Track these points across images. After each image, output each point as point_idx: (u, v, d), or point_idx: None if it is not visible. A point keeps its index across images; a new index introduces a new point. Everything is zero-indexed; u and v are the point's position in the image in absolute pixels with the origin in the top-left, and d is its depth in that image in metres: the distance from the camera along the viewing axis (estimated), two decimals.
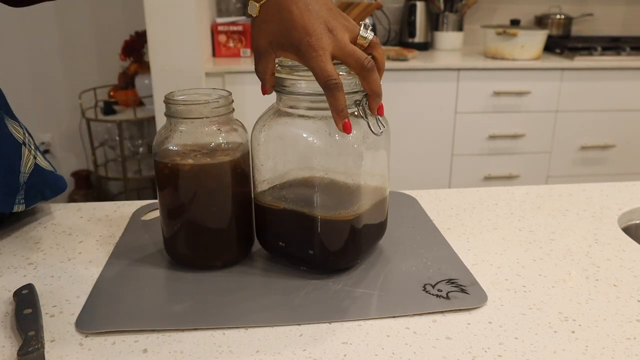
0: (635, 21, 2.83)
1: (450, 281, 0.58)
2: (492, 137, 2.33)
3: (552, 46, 2.47)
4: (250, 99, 2.05)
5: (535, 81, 2.28)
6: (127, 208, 0.77)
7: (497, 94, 2.27)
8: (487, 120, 2.31)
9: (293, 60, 0.53)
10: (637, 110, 2.39)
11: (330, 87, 0.50)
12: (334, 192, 0.56)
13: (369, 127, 0.54)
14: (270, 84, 0.56)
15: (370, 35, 0.54)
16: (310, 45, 0.50)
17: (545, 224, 0.73)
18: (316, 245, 0.57)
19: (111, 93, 2.49)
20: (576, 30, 2.75)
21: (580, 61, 2.29)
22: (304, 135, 0.56)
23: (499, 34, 2.30)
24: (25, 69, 2.54)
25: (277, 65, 0.55)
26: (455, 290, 0.56)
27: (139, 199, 2.73)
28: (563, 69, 2.28)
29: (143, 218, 0.73)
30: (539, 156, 2.41)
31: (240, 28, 2.25)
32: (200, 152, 0.56)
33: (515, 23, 2.48)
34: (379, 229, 0.63)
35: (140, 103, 2.46)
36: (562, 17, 2.68)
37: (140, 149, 2.56)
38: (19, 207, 0.69)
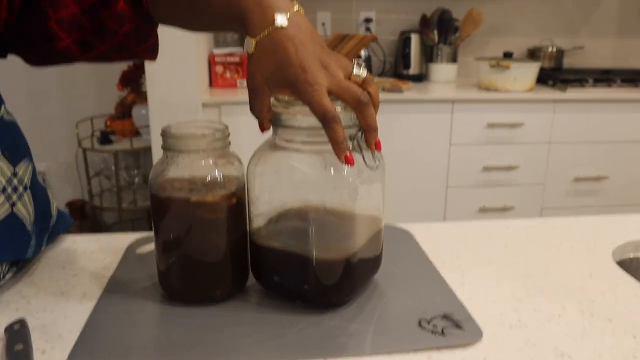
0: (625, 54, 2.88)
1: (445, 316, 0.57)
2: (487, 169, 2.35)
3: (544, 78, 2.50)
4: (246, 129, 2.06)
5: (529, 113, 2.31)
6: (122, 240, 0.77)
7: (491, 125, 2.29)
8: (482, 151, 2.33)
9: (289, 96, 0.54)
10: (629, 141, 2.41)
11: (328, 121, 0.51)
12: (329, 227, 0.56)
13: (364, 161, 0.55)
14: (267, 120, 0.56)
15: (363, 72, 0.55)
16: (306, 81, 0.51)
17: (540, 258, 0.73)
18: (311, 281, 0.57)
19: (108, 123, 2.50)
20: (568, 62, 2.80)
21: (573, 93, 2.33)
22: (300, 168, 0.56)
23: (492, 66, 2.33)
24: (22, 98, 2.56)
25: (272, 100, 0.56)
26: (450, 325, 0.56)
27: (134, 229, 2.72)
28: (556, 101, 2.31)
29: (138, 251, 0.73)
30: (533, 188, 2.42)
31: (237, 59, 2.28)
32: (197, 186, 0.57)
33: (508, 56, 2.52)
34: (374, 263, 0.63)
35: (137, 133, 2.47)
36: (554, 49, 2.73)
37: (136, 179, 2.56)
38: (43, 248, 0.72)
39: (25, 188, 0.65)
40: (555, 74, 2.50)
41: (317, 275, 0.57)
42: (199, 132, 0.57)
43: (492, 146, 2.33)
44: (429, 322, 0.56)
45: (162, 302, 0.60)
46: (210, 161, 0.57)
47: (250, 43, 0.54)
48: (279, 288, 0.61)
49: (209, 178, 0.57)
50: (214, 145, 0.56)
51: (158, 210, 0.58)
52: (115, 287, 0.63)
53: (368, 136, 0.55)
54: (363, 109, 0.53)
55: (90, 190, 2.51)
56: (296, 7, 0.55)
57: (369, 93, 0.54)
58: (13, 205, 0.62)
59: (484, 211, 2.40)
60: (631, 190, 2.48)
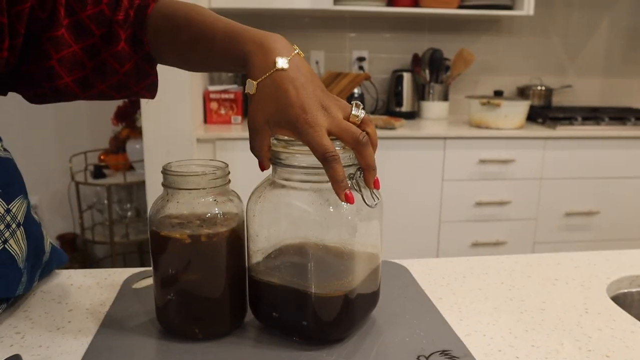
0: (612, 93, 2.95)
1: (443, 352, 0.57)
2: (479, 204, 2.37)
3: (534, 116, 2.55)
4: (241, 165, 2.07)
5: (519, 150, 2.34)
6: (119, 276, 0.76)
7: (483, 161, 2.32)
8: (474, 187, 2.35)
9: (289, 136, 0.55)
10: (619, 177, 2.44)
11: (328, 160, 0.52)
12: (327, 264, 0.56)
13: (363, 199, 0.56)
14: (267, 158, 0.57)
15: (362, 113, 0.56)
16: (306, 122, 0.52)
17: (536, 294, 0.74)
18: (310, 317, 0.57)
19: (102, 157, 2.51)
20: (556, 100, 2.85)
21: (562, 130, 2.37)
22: (299, 206, 0.57)
23: (483, 104, 2.37)
24: (16, 132, 2.56)
25: (272, 139, 0.57)
26: None
27: (125, 263, 2.70)
28: (546, 138, 2.34)
29: (134, 286, 0.73)
30: (525, 223, 2.44)
31: (231, 96, 2.30)
32: (196, 223, 0.57)
33: (498, 94, 2.57)
34: (372, 299, 0.63)
35: (130, 167, 2.48)
36: (543, 88, 2.78)
37: (129, 213, 2.55)
38: (35, 284, 0.71)
39: (18, 225, 0.65)
40: (545, 112, 2.54)
41: (316, 311, 0.57)
42: (199, 169, 0.58)
43: (484, 182, 2.36)
44: (427, 359, 0.56)
45: (159, 337, 0.60)
46: (211, 199, 0.57)
47: (252, 84, 0.55)
48: (277, 324, 0.60)
49: (208, 215, 0.57)
50: (215, 184, 0.57)
51: (157, 246, 0.58)
52: (112, 323, 0.63)
53: (367, 175, 0.56)
54: (362, 149, 0.54)
55: (82, 224, 2.50)
56: (296, 50, 0.56)
57: (367, 133, 0.55)
58: (5, 242, 0.62)
59: (477, 246, 2.41)
60: (622, 225, 2.51)
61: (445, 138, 2.28)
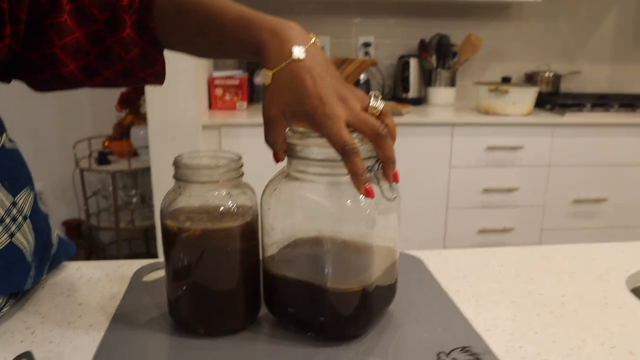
0: (621, 79, 2.91)
1: (464, 349, 0.56)
2: (487, 191, 2.35)
3: (542, 102, 2.52)
4: (247, 151, 2.05)
5: (527, 136, 2.32)
6: (128, 268, 0.75)
7: (491, 148, 2.30)
8: (481, 174, 2.33)
9: (306, 128, 0.53)
10: (627, 165, 2.42)
11: (348, 153, 0.50)
12: (345, 258, 0.55)
13: (382, 193, 0.54)
14: (282, 150, 0.55)
15: (380, 104, 0.54)
16: (324, 113, 0.51)
17: (554, 287, 0.72)
18: (327, 312, 0.56)
19: (106, 143, 2.49)
20: (565, 87, 2.82)
21: (571, 117, 2.34)
22: (316, 199, 0.55)
23: (491, 90, 2.34)
24: (20, 119, 2.55)
25: (287, 130, 0.55)
26: (470, 359, 0.54)
27: (131, 249, 2.70)
28: (554, 125, 2.32)
29: (145, 279, 0.71)
30: (532, 209, 2.42)
31: (236, 82, 2.28)
32: (209, 216, 0.55)
33: (506, 80, 2.54)
34: (390, 293, 0.62)
35: (135, 154, 2.46)
36: (551, 74, 2.75)
37: (134, 199, 2.54)
38: (44, 277, 0.70)
39: (25, 218, 0.63)
40: (553, 99, 2.51)
41: (333, 306, 0.56)
42: (212, 162, 0.56)
43: (492, 169, 2.34)
44: (447, 355, 0.55)
45: (171, 333, 0.59)
46: (224, 192, 0.56)
47: (267, 75, 0.53)
48: (292, 319, 0.59)
49: (222, 208, 0.56)
50: (228, 176, 0.55)
51: (169, 239, 0.56)
52: (123, 317, 0.62)
53: (386, 168, 0.54)
54: (381, 142, 0.52)
55: (87, 210, 2.49)
56: (312, 39, 0.54)
57: (386, 125, 0.53)
58: (12, 235, 0.60)
59: (484, 232, 2.39)
60: (630, 212, 2.49)
61: (452, 125, 2.26)
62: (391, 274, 0.61)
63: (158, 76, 0.66)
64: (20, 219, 0.62)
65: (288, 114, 0.53)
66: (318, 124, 0.51)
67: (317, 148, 0.54)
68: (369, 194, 0.51)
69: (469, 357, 0.55)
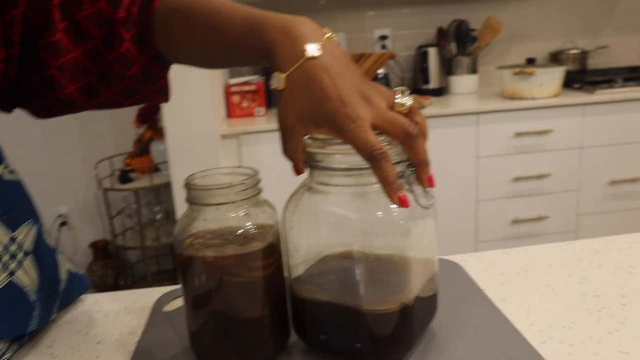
0: None
1: None
2: (517, 179, 2.26)
3: (570, 82, 2.42)
4: (267, 158, 2.02)
5: (557, 119, 2.23)
6: (148, 297, 0.71)
7: (519, 134, 2.21)
8: (511, 162, 2.25)
9: (327, 135, 0.48)
10: None
11: (376, 159, 0.44)
12: (380, 276, 0.49)
13: (416, 200, 0.48)
14: (302, 161, 0.50)
15: (408, 101, 0.48)
16: (347, 116, 0.45)
17: (611, 286, 0.65)
18: (363, 338, 0.50)
19: (127, 161, 2.47)
20: (592, 63, 2.71)
21: (602, 95, 2.24)
22: (343, 214, 0.50)
23: (516, 73, 2.26)
24: (40, 142, 2.54)
25: (307, 138, 0.50)
26: None
27: (158, 266, 2.68)
28: (585, 104, 2.22)
29: (165, 309, 0.67)
30: (566, 195, 2.33)
31: (253, 87, 2.24)
32: (227, 240, 0.50)
33: (531, 62, 2.44)
34: (431, 308, 0.56)
35: (156, 169, 2.44)
36: (577, 51, 2.65)
37: (158, 216, 2.52)
38: (53, 317, 0.65)
39: (26, 253, 0.59)
40: (581, 77, 2.41)
41: (370, 328, 0.50)
42: (227, 180, 0.51)
43: (521, 155, 2.25)
44: None
45: None
46: (242, 212, 0.50)
47: (280, 78, 0.47)
48: (326, 347, 0.54)
49: (240, 231, 0.50)
50: (245, 195, 0.50)
51: (186, 269, 0.51)
52: (144, 355, 0.57)
53: (420, 172, 0.48)
54: (413, 142, 0.46)
55: (113, 230, 2.48)
56: (327, 34, 0.49)
57: (416, 123, 0.47)
58: (11, 274, 0.56)
59: (518, 223, 2.31)
60: None
61: (478, 113, 2.18)
62: (431, 286, 0.55)
63: (162, 93, 0.61)
64: (20, 255, 0.58)
65: (306, 121, 0.47)
66: (340, 129, 0.45)
67: (340, 156, 0.48)
68: (403, 203, 0.45)
69: None
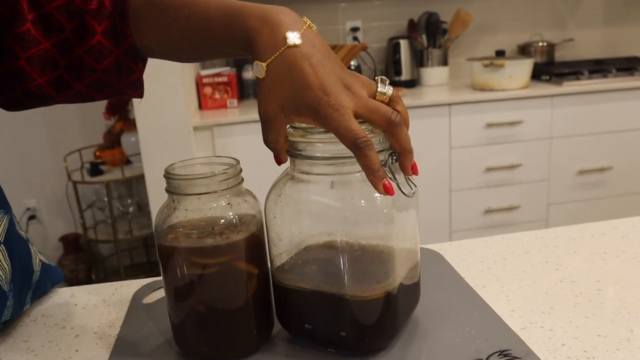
0: (614, 43, 2.85)
1: (502, 353, 0.51)
2: (489, 170, 2.29)
3: (538, 74, 2.46)
4: (242, 150, 2.00)
5: (527, 110, 2.26)
6: (126, 290, 0.69)
7: (490, 125, 2.24)
8: (483, 152, 2.28)
9: (309, 124, 0.47)
10: (630, 130, 2.37)
11: (360, 147, 0.44)
12: (364, 264, 0.49)
13: (400, 189, 0.48)
14: (284, 151, 0.49)
15: (389, 89, 0.48)
16: (330, 104, 0.44)
17: (587, 271, 0.67)
18: (349, 327, 0.51)
19: (97, 153, 2.43)
20: (559, 56, 2.76)
21: (569, 86, 2.28)
22: (326, 202, 0.49)
23: (486, 65, 2.28)
24: (6, 134, 2.47)
25: (288, 127, 0.49)
26: None
27: (132, 259, 2.64)
28: (553, 96, 2.26)
29: (145, 301, 0.66)
30: (537, 185, 2.37)
31: (225, 79, 2.22)
32: (210, 230, 0.50)
33: (500, 54, 2.48)
34: (415, 295, 0.56)
35: (127, 162, 2.40)
36: (545, 44, 2.69)
37: (130, 209, 2.48)
38: (27, 307, 0.64)
39: None
40: (549, 69, 2.45)
41: (355, 317, 0.50)
42: (208, 170, 0.50)
43: (493, 146, 2.28)
44: None
45: None
46: (223, 202, 0.50)
47: (261, 67, 0.47)
48: (311, 336, 0.53)
49: (222, 221, 0.50)
50: (227, 184, 0.49)
51: (167, 260, 0.51)
52: (124, 348, 0.56)
53: (403, 159, 0.48)
54: (396, 130, 0.46)
55: (84, 223, 2.43)
56: (307, 23, 0.48)
57: (398, 112, 0.47)
58: None
59: (490, 212, 2.34)
60: (636, 178, 2.44)
61: (449, 104, 2.20)
62: (414, 274, 0.55)
63: (136, 87, 0.59)
64: None
65: (288, 110, 0.47)
66: (323, 117, 0.45)
67: (322, 145, 0.48)
68: (388, 191, 0.45)
69: None
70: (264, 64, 0.47)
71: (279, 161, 0.50)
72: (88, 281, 2.54)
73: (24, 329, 0.62)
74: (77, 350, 0.57)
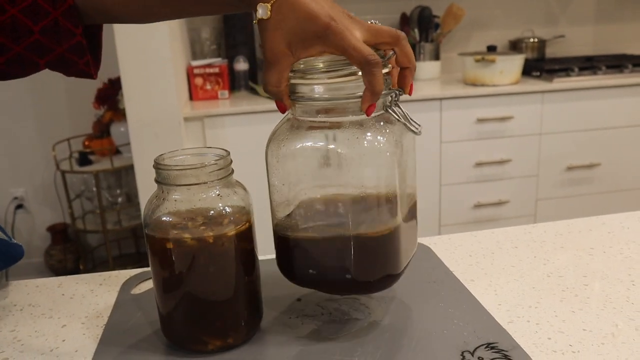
0: (605, 40, 2.87)
1: (489, 346, 0.51)
2: (479, 164, 2.30)
3: (529, 70, 2.47)
4: (232, 142, 1.99)
5: (517, 105, 2.27)
6: (114, 280, 0.69)
7: (481, 120, 2.25)
8: (473, 147, 2.28)
9: (317, 54, 0.49)
10: (619, 127, 2.39)
11: (372, 63, 0.47)
12: (369, 206, 0.51)
13: (409, 127, 0.50)
14: (287, 94, 0.50)
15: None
16: (339, 27, 0.47)
17: (574, 266, 0.67)
18: (355, 268, 0.51)
19: (86, 143, 2.41)
20: (550, 52, 2.77)
21: (559, 83, 2.29)
22: (331, 146, 0.50)
23: (477, 61, 2.29)
24: None
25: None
26: (497, 357, 0.50)
27: (120, 250, 2.63)
28: (543, 92, 2.27)
29: (133, 291, 0.65)
30: (526, 180, 2.38)
31: (216, 70, 2.20)
32: (199, 221, 0.50)
33: (492, 49, 2.48)
34: (414, 238, 0.58)
35: (117, 152, 2.38)
36: (536, 40, 2.70)
37: (119, 199, 2.46)
38: None
39: None
40: (540, 65, 2.46)
41: (362, 260, 0.51)
42: (198, 160, 0.50)
43: (483, 141, 2.29)
44: (472, 354, 0.50)
45: (166, 353, 0.53)
46: (213, 193, 0.50)
47: (265, 7, 0.48)
48: (315, 282, 0.54)
49: (212, 212, 0.50)
50: (217, 175, 0.49)
51: (156, 251, 0.51)
52: (112, 339, 0.56)
53: (409, 75, 0.53)
54: (404, 44, 0.51)
55: (72, 213, 2.42)
56: None
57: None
58: None
59: (479, 207, 2.35)
60: (624, 175, 2.46)
61: (441, 99, 2.20)
62: (413, 215, 0.57)
63: (78, 53, 0.56)
64: None
65: (296, 44, 0.48)
66: (334, 41, 0.47)
67: (324, 87, 0.49)
68: (369, 112, 0.49)
69: (496, 354, 0.50)
70: (268, 5, 0.48)
71: (283, 107, 0.51)
72: (76, 271, 2.52)
73: (10, 319, 0.62)
74: (64, 340, 0.57)
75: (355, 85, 0.49)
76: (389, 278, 0.53)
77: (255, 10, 0.49)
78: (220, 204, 0.50)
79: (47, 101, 2.49)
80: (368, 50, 0.47)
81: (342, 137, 0.50)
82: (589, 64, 2.42)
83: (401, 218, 0.52)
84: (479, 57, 2.29)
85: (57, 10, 0.53)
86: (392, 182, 0.50)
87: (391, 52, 0.51)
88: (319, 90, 0.49)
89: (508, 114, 2.26)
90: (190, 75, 2.20)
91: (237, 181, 0.53)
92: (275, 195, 0.53)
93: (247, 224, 0.52)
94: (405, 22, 2.57)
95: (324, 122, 0.50)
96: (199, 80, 2.20)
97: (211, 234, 0.49)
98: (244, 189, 0.53)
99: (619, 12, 2.84)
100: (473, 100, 2.23)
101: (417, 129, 0.51)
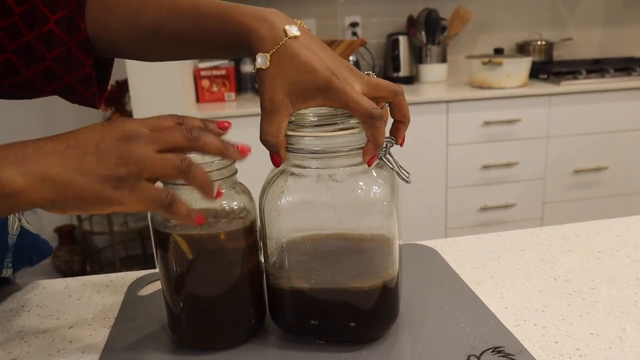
0: (613, 43, 2.85)
1: (496, 350, 0.51)
2: (486, 167, 2.30)
3: (536, 72, 2.46)
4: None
5: (524, 108, 2.26)
6: (121, 281, 0.69)
7: (487, 123, 2.24)
8: (479, 150, 2.28)
9: (317, 106, 0.49)
10: (626, 130, 2.38)
11: (375, 118, 0.47)
12: (368, 255, 0.51)
13: (401, 176, 0.50)
14: (284, 146, 0.49)
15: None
16: (340, 82, 0.47)
17: (581, 270, 0.67)
18: (357, 315, 0.52)
19: None
20: (557, 55, 2.76)
21: (567, 86, 2.28)
22: (324, 198, 0.49)
23: (484, 63, 2.28)
24: (2, 123, 2.46)
25: None
26: None
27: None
28: (550, 95, 2.26)
29: (140, 293, 0.66)
30: (533, 183, 2.37)
31: (223, 72, 2.21)
32: (206, 218, 0.50)
33: (498, 52, 2.47)
34: (400, 283, 0.57)
35: None
36: (543, 43, 2.69)
37: None
38: (7, 272, 0.64)
39: None
40: (547, 68, 2.45)
41: (366, 309, 0.52)
42: (202, 161, 0.50)
43: (490, 144, 2.28)
44: (479, 358, 0.50)
45: (172, 352, 0.53)
46: None
47: (265, 57, 0.48)
48: (318, 332, 0.53)
49: (216, 211, 0.50)
50: (220, 175, 0.49)
51: (164, 248, 0.51)
52: (119, 339, 0.56)
53: (403, 128, 0.53)
54: (401, 100, 0.50)
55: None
56: (299, 22, 0.50)
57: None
58: None
59: (486, 210, 2.35)
60: (631, 178, 2.45)
61: (447, 101, 2.20)
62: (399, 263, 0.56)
63: (86, 84, 0.58)
64: None
65: (296, 96, 0.48)
66: (334, 94, 0.47)
67: (316, 140, 0.48)
68: (370, 163, 0.49)
69: (503, 358, 0.50)
70: (267, 55, 0.48)
71: (278, 161, 0.50)
72: (82, 273, 2.53)
73: (17, 320, 0.62)
74: (71, 342, 0.57)
75: (352, 137, 0.48)
76: (391, 321, 0.55)
77: (255, 60, 0.48)
78: (224, 204, 0.50)
79: (55, 103, 2.50)
80: (371, 104, 0.47)
81: (338, 188, 0.49)
82: (596, 67, 2.41)
83: (398, 263, 0.53)
84: (486, 59, 2.29)
85: (72, 40, 0.54)
86: (388, 230, 0.51)
87: (385, 105, 0.51)
88: (315, 142, 0.49)
89: (515, 116, 2.26)
90: (197, 77, 2.21)
91: (240, 182, 0.53)
92: (268, 243, 0.52)
93: (251, 222, 0.52)
94: (412, 24, 2.57)
95: (319, 173, 0.50)
96: (205, 83, 2.21)
97: (217, 231, 0.49)
98: (247, 189, 0.53)
99: (627, 15, 2.83)
100: (480, 103, 2.23)
101: (407, 177, 0.51)
